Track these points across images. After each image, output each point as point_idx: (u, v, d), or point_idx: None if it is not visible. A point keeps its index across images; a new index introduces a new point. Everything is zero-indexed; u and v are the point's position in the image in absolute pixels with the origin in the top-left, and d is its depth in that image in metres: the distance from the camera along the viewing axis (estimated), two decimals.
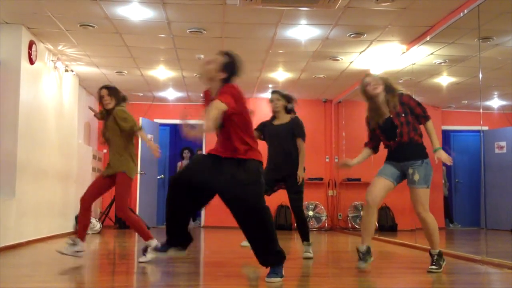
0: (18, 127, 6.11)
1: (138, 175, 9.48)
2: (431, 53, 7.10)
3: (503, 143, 10.11)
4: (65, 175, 7.89)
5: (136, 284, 3.87)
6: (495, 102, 9.84)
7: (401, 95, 4.20)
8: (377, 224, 5.01)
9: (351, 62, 7.75)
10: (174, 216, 3.65)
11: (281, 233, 9.10)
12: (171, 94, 10.10)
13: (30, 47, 6.42)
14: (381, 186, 4.14)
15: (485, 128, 10.06)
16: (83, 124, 9.39)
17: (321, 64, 7.92)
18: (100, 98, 4.79)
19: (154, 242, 4.53)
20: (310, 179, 9.90)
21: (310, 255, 5.10)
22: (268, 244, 3.55)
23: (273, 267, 3.56)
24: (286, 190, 5.15)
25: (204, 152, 10.32)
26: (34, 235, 6.54)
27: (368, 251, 4.14)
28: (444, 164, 10.67)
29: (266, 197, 3.83)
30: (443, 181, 10.47)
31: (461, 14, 5.45)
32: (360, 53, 7.28)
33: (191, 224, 10.20)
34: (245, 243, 4.42)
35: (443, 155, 4.09)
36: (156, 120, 10.56)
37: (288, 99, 5.21)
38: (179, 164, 11.18)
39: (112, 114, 4.70)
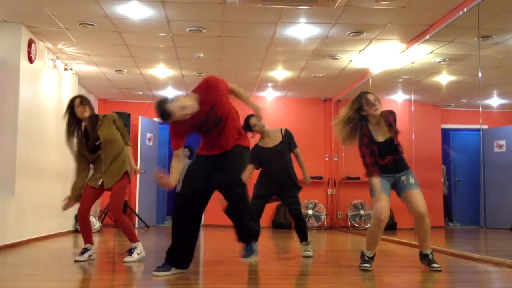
0: (17, 126, 6.11)
1: (138, 175, 9.47)
2: (431, 52, 7.10)
3: (503, 142, 10.11)
4: (64, 174, 7.87)
5: (135, 282, 3.87)
6: (495, 101, 9.85)
7: (383, 112, 4.18)
8: None
9: (351, 60, 7.75)
10: (184, 235, 3.80)
11: (281, 232, 9.16)
12: (170, 93, 10.09)
13: (29, 46, 6.42)
14: (387, 203, 4.14)
15: (485, 126, 10.06)
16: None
17: (320, 63, 7.92)
18: (73, 107, 4.55)
19: (140, 245, 4.64)
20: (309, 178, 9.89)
21: (310, 253, 5.11)
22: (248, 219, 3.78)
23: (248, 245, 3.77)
24: (282, 199, 5.19)
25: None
26: (34, 234, 6.54)
27: (373, 257, 4.22)
28: (444, 163, 10.73)
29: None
30: (442, 180, 10.48)
31: (461, 13, 5.44)
32: (360, 51, 7.28)
33: None
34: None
35: None
36: (155, 119, 10.55)
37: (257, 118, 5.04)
38: None
39: (106, 119, 4.62)
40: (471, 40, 6.47)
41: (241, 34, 6.63)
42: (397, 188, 4.20)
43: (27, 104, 6.39)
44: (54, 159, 7.35)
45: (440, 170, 10.23)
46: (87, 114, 4.54)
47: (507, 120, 10.17)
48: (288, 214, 9.95)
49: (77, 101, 4.55)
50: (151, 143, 10.16)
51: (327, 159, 10.58)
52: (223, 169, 3.70)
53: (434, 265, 4.14)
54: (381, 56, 7.40)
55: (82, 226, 4.67)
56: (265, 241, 7.14)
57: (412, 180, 4.16)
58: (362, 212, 9.89)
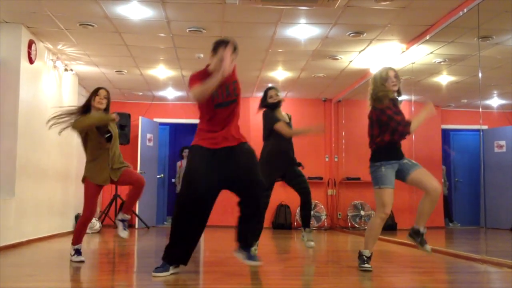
0: (17, 127, 6.11)
1: None
2: (431, 52, 7.10)
3: (503, 142, 10.12)
4: (64, 174, 7.89)
5: (135, 283, 3.87)
6: (495, 101, 9.86)
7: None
8: None
9: (351, 61, 7.75)
10: (185, 236, 3.73)
11: (281, 232, 9.16)
12: (170, 94, 10.10)
13: (29, 46, 6.42)
14: (393, 197, 4.14)
15: (485, 127, 10.07)
16: None
17: (320, 63, 7.92)
18: (97, 95, 4.64)
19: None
20: (309, 178, 9.83)
21: (313, 243, 5.18)
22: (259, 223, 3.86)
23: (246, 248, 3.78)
24: (289, 180, 5.18)
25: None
26: (34, 234, 6.54)
27: (371, 257, 4.20)
28: (444, 163, 10.74)
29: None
30: (442, 180, 10.48)
31: (461, 13, 5.45)
32: (360, 52, 7.28)
33: None
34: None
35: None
36: (155, 120, 10.56)
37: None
38: (178, 163, 11.16)
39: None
40: (471, 40, 6.47)
41: (241, 35, 6.62)
42: (403, 171, 4.15)
43: (27, 104, 6.39)
44: (54, 160, 7.36)
45: (440, 171, 10.23)
46: (103, 107, 4.63)
47: (507, 120, 10.18)
48: (288, 214, 10.10)
49: (104, 92, 4.67)
50: (151, 144, 10.16)
51: (327, 159, 10.58)
52: (240, 167, 3.68)
53: (427, 246, 4.11)
54: (381, 56, 7.40)
55: (83, 227, 4.63)
56: (265, 242, 7.14)
57: (414, 160, 4.25)
58: (362, 212, 9.89)
